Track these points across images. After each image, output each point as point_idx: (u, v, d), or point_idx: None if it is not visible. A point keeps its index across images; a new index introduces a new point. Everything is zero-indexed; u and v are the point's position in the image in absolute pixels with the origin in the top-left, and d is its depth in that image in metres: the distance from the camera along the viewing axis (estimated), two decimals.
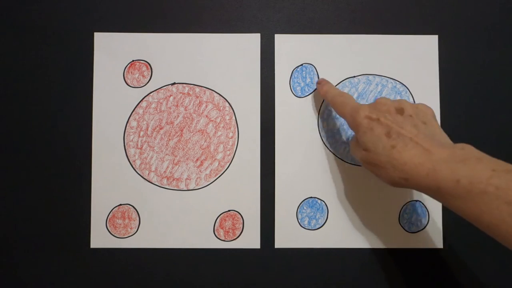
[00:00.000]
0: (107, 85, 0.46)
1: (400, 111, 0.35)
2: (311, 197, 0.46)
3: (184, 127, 0.46)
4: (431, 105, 0.46)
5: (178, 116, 0.46)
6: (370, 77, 0.47)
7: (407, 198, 0.46)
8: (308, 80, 0.46)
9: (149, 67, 0.46)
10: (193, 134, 0.46)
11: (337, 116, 0.46)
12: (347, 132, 0.46)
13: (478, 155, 0.30)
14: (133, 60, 0.46)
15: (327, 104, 0.46)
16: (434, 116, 0.36)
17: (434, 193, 0.31)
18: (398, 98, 0.46)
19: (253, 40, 0.47)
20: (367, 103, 0.46)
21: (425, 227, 0.45)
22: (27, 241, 0.45)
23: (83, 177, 0.45)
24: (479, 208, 0.28)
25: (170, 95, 0.46)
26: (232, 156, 0.46)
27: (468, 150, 0.31)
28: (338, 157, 0.46)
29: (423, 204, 0.46)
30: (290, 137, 0.46)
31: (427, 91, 0.46)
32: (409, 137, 0.33)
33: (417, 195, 0.46)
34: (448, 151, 0.31)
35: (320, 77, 0.46)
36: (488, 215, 0.27)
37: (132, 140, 0.46)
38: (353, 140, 0.39)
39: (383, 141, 0.34)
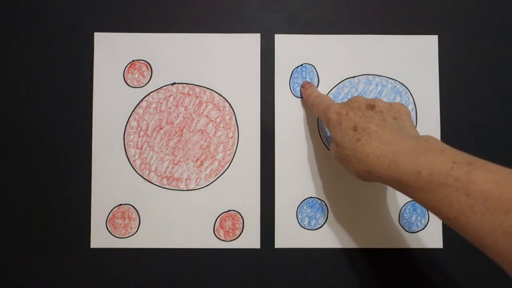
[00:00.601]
0: (107, 85, 0.46)
1: (371, 107, 0.35)
2: (311, 197, 0.46)
3: (184, 127, 0.46)
4: (431, 105, 0.46)
5: (178, 116, 0.46)
6: (370, 77, 0.47)
7: (407, 198, 0.46)
8: (308, 80, 0.46)
9: (149, 67, 0.46)
10: (193, 134, 0.46)
11: None
12: None
13: (441, 147, 0.30)
14: (133, 60, 0.46)
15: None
16: (408, 114, 0.36)
17: (396, 185, 0.31)
18: (398, 98, 0.46)
19: (253, 40, 0.47)
20: None
21: (425, 227, 0.45)
22: (27, 241, 0.45)
23: (83, 177, 0.45)
24: (439, 200, 0.27)
25: (170, 95, 0.46)
26: (232, 156, 0.46)
27: (431, 141, 0.30)
28: None
29: None
30: (290, 137, 0.46)
31: (427, 91, 0.46)
32: (375, 130, 0.33)
33: None
34: (411, 143, 0.31)
35: (320, 77, 0.46)
36: (448, 207, 0.27)
37: (132, 140, 0.46)
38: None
39: (349, 134, 0.34)
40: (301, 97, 0.46)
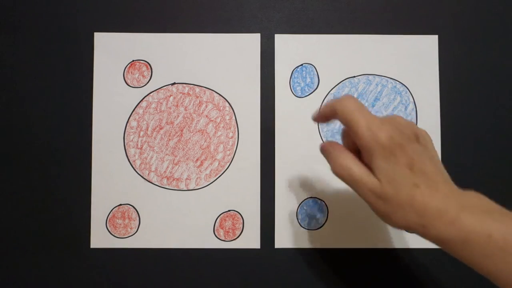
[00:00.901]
0: (107, 85, 0.46)
1: (417, 137, 0.30)
2: (311, 197, 0.46)
3: (184, 127, 0.46)
4: (431, 105, 0.46)
5: (178, 116, 0.46)
6: (370, 77, 0.47)
7: None
8: (308, 80, 0.46)
9: (149, 67, 0.46)
10: (193, 134, 0.46)
11: None
12: None
13: (499, 208, 0.28)
14: (133, 60, 0.46)
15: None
16: (433, 144, 0.32)
17: (455, 245, 0.27)
18: (398, 98, 0.46)
19: (253, 40, 0.47)
20: (367, 103, 0.46)
21: None
22: (27, 241, 0.45)
23: (83, 177, 0.45)
24: None
25: (170, 95, 0.46)
26: (232, 156, 0.46)
27: (481, 198, 0.28)
28: None
29: None
30: (290, 137, 0.46)
31: (427, 91, 0.46)
32: (432, 178, 0.28)
33: None
34: (466, 198, 0.28)
35: (320, 77, 0.46)
36: None
37: (132, 140, 0.46)
38: (351, 156, 0.30)
39: (405, 174, 0.28)
40: (302, 97, 0.46)
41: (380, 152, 0.28)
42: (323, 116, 0.33)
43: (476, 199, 0.28)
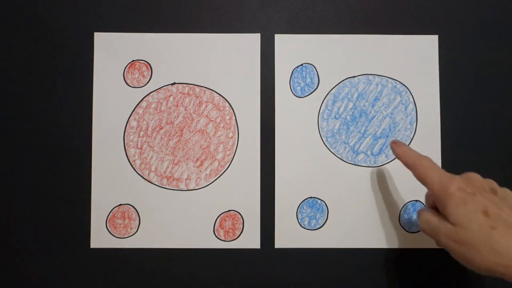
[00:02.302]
0: (107, 85, 0.46)
1: (494, 191, 0.33)
2: (311, 197, 0.46)
3: (184, 127, 0.46)
4: (431, 105, 0.46)
5: (178, 116, 0.46)
6: (370, 77, 0.47)
7: (407, 198, 0.46)
8: (308, 80, 0.46)
9: (149, 67, 0.46)
10: (193, 134, 0.46)
11: (337, 116, 0.46)
12: (347, 132, 0.46)
13: None
14: (133, 60, 0.46)
15: (327, 105, 0.46)
16: None
17: None
18: (398, 98, 0.46)
19: (253, 40, 0.47)
20: (367, 103, 0.46)
21: None
22: (27, 241, 0.45)
23: (83, 177, 0.45)
24: None
25: (170, 95, 0.46)
26: (232, 156, 0.46)
27: None
28: (338, 157, 0.46)
29: (423, 204, 0.46)
30: (290, 137, 0.46)
31: (427, 91, 0.46)
32: (510, 221, 0.30)
33: (417, 195, 0.46)
34: None
35: (320, 77, 0.46)
36: None
37: (132, 140, 0.46)
38: (431, 211, 0.35)
39: (479, 219, 0.31)
40: (302, 97, 0.46)
41: (452, 201, 0.32)
42: (399, 158, 0.38)
43: None
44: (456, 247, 0.31)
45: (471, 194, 0.32)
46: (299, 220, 0.45)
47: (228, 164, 0.46)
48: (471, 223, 0.31)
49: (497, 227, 0.30)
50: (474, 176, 0.34)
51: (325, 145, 0.46)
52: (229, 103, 0.46)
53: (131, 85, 0.46)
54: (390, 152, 0.46)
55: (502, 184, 0.46)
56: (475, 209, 0.31)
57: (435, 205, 0.35)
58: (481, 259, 0.30)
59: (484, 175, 0.46)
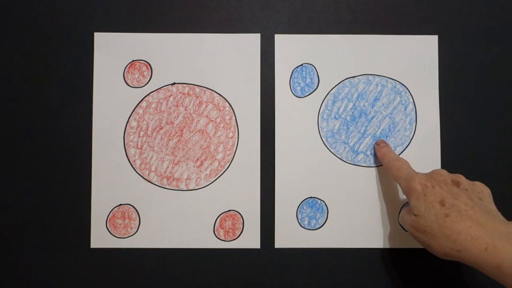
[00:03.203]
0: (107, 85, 0.46)
1: (457, 183, 0.35)
2: (311, 197, 0.46)
3: (184, 127, 0.46)
4: (431, 105, 0.46)
5: (178, 116, 0.46)
6: (370, 77, 0.47)
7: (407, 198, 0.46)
8: (308, 80, 0.46)
9: (149, 67, 0.46)
10: (193, 134, 0.46)
11: (337, 116, 0.46)
12: (347, 132, 0.46)
13: None
14: (133, 60, 0.46)
15: (327, 105, 0.46)
16: (490, 196, 0.36)
17: (491, 270, 0.29)
18: (398, 98, 0.46)
19: (253, 40, 0.47)
20: (367, 103, 0.46)
21: None
22: (27, 241, 0.45)
23: (83, 177, 0.45)
24: None
25: (170, 95, 0.46)
26: (232, 156, 0.46)
27: None
28: (338, 157, 0.46)
29: None
30: (290, 137, 0.46)
31: (427, 91, 0.46)
32: (464, 209, 0.32)
33: None
34: (507, 228, 0.30)
35: (320, 77, 0.46)
36: None
37: (132, 140, 0.46)
38: (406, 208, 0.39)
39: (436, 208, 0.34)
40: (302, 97, 0.46)
41: (413, 194, 0.36)
42: (380, 159, 0.44)
43: None
44: (419, 235, 0.35)
45: (431, 187, 0.35)
46: (299, 220, 0.45)
47: (228, 164, 0.46)
48: (428, 213, 0.34)
49: (450, 215, 0.33)
50: (439, 172, 0.37)
51: (325, 145, 0.46)
52: (229, 103, 0.46)
53: (131, 85, 0.46)
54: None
55: (502, 184, 0.46)
56: (432, 200, 0.34)
57: None
58: (437, 245, 0.33)
59: (484, 174, 0.46)
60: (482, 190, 0.36)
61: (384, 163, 0.43)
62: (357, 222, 0.45)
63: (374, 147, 0.45)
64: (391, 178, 0.41)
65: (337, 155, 0.46)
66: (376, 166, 0.46)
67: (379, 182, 0.46)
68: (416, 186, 0.36)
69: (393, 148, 0.46)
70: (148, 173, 0.46)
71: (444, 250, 0.33)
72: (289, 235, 0.45)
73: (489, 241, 0.30)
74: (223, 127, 0.46)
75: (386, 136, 0.46)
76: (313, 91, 0.46)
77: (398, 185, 0.46)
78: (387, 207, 0.46)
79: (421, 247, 0.45)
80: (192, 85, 0.46)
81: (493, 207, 0.35)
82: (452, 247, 0.32)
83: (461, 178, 0.36)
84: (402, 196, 0.46)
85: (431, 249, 0.35)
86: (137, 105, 0.46)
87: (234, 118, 0.46)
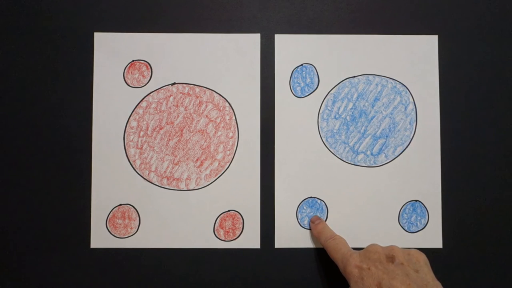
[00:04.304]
0: (107, 85, 0.46)
1: (391, 258, 0.35)
2: (311, 197, 0.46)
3: (184, 127, 0.46)
4: (431, 105, 0.46)
5: (178, 116, 0.46)
6: (370, 77, 0.47)
7: (407, 198, 0.46)
8: (308, 80, 0.46)
9: (149, 67, 0.46)
10: (193, 134, 0.46)
11: (337, 116, 0.46)
12: (347, 132, 0.46)
13: None
14: (133, 60, 0.46)
15: (326, 105, 0.46)
16: (426, 263, 0.36)
17: None
18: (398, 98, 0.46)
19: (253, 40, 0.47)
20: (367, 103, 0.46)
21: (424, 227, 0.45)
22: (27, 241, 0.45)
23: (83, 177, 0.45)
24: None
25: (170, 95, 0.46)
26: (232, 156, 0.46)
27: None
28: (338, 157, 0.46)
29: (422, 204, 0.46)
30: (290, 137, 0.46)
31: (427, 91, 0.46)
32: None
33: (417, 194, 0.46)
34: None
35: (320, 77, 0.46)
36: None
37: (132, 140, 0.46)
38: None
39: None
40: (302, 97, 0.46)
41: (352, 279, 0.36)
42: (315, 236, 0.44)
43: None
44: None
45: (367, 269, 0.35)
46: (299, 220, 0.45)
47: (228, 164, 0.46)
48: None
49: None
50: (373, 248, 0.37)
51: (325, 145, 0.46)
52: (229, 103, 0.46)
53: (131, 85, 0.46)
54: (390, 152, 0.46)
55: (502, 183, 0.46)
56: (370, 284, 0.34)
57: None
58: None
59: (484, 175, 0.46)
60: (418, 260, 0.36)
61: (320, 242, 0.42)
62: (357, 222, 0.45)
63: (309, 225, 0.45)
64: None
65: (337, 155, 0.46)
66: (376, 166, 0.46)
67: (379, 182, 0.46)
68: (352, 270, 0.36)
69: (393, 148, 0.46)
70: (148, 173, 0.46)
71: None
72: (289, 235, 0.45)
73: None
74: (223, 127, 0.46)
75: (386, 136, 0.46)
76: (313, 91, 0.46)
77: (397, 185, 0.46)
78: (387, 207, 0.46)
79: (421, 247, 0.45)
80: (192, 85, 0.46)
81: (429, 276, 0.35)
82: None
83: (395, 250, 0.36)
84: (402, 196, 0.46)
85: None
86: (137, 105, 0.46)
87: (234, 118, 0.46)
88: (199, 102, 0.46)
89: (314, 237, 0.45)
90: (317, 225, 0.44)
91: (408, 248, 0.38)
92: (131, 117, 0.46)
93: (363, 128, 0.46)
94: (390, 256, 0.36)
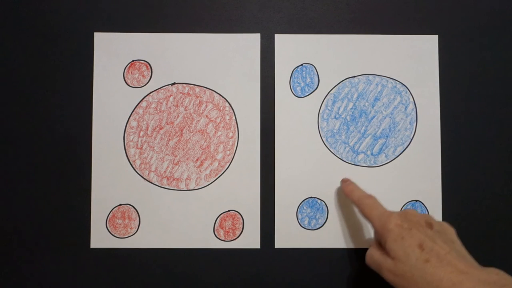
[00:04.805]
0: (107, 85, 0.46)
1: (430, 225, 0.35)
2: (311, 197, 0.46)
3: (184, 127, 0.46)
4: (431, 105, 0.46)
5: (178, 116, 0.46)
6: (370, 77, 0.47)
7: (407, 198, 0.46)
8: (308, 80, 0.46)
9: (149, 67, 0.46)
10: (193, 134, 0.46)
11: (337, 116, 0.46)
12: (347, 132, 0.46)
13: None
14: (133, 60, 0.46)
15: (326, 105, 0.46)
16: (456, 236, 0.36)
17: None
18: (398, 98, 0.46)
19: (253, 40, 0.47)
20: (367, 103, 0.46)
21: None
22: (27, 241, 0.45)
23: (83, 177, 0.45)
24: None
25: (170, 95, 0.46)
26: (232, 156, 0.46)
27: (502, 275, 0.31)
28: (338, 157, 0.46)
29: (423, 204, 0.46)
30: (290, 137, 0.46)
31: (427, 91, 0.46)
32: (443, 253, 0.32)
33: (417, 195, 0.46)
34: (485, 274, 0.31)
35: (320, 77, 0.46)
36: None
37: (132, 140, 0.46)
38: (374, 247, 0.38)
39: (415, 252, 0.33)
40: (302, 97, 0.46)
41: (390, 237, 0.35)
42: (347, 196, 0.43)
43: (496, 276, 0.31)
44: (397, 281, 0.34)
45: (408, 229, 0.34)
46: (299, 220, 0.45)
47: (228, 164, 0.46)
48: (408, 257, 0.33)
49: (430, 260, 0.32)
50: (411, 212, 0.36)
51: (325, 145, 0.46)
52: (229, 103, 0.46)
53: (131, 85, 0.46)
54: (390, 152, 0.46)
55: (502, 184, 0.46)
56: (411, 244, 0.33)
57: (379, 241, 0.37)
58: None
59: (484, 175, 0.46)
60: (451, 232, 0.36)
61: (353, 200, 0.41)
62: (357, 222, 0.45)
63: (340, 184, 0.45)
64: (361, 215, 0.40)
65: (337, 155, 0.46)
66: (376, 166, 0.46)
67: (379, 182, 0.46)
68: (393, 228, 0.35)
69: (393, 148, 0.46)
70: (148, 173, 0.46)
71: None
72: (289, 235, 0.45)
73: (470, 287, 0.30)
74: (223, 127, 0.46)
75: (387, 136, 0.46)
76: (313, 91, 0.46)
77: (397, 185, 0.46)
78: (387, 207, 0.45)
79: None
80: (192, 85, 0.46)
81: (464, 250, 0.35)
82: None
83: (431, 218, 0.36)
84: (402, 196, 0.46)
85: None
86: (137, 105, 0.46)
87: (234, 118, 0.46)
88: (199, 102, 0.46)
89: (312, 241, 0.45)
90: (348, 184, 0.43)
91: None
92: (131, 117, 0.46)
93: (363, 128, 0.46)
94: (428, 222, 0.36)
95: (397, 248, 0.34)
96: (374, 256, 0.37)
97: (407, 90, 0.47)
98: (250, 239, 0.45)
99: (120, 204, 0.45)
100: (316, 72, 0.47)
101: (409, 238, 0.34)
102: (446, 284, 0.31)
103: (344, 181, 0.44)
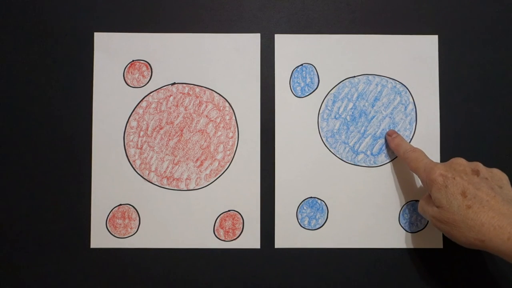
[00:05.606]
0: (107, 85, 0.46)
1: (476, 172, 0.36)
2: (311, 197, 0.46)
3: (184, 127, 0.46)
4: (431, 105, 0.46)
5: (178, 116, 0.46)
6: (370, 77, 0.47)
7: (407, 198, 0.46)
8: (308, 80, 0.46)
9: (149, 67, 0.46)
10: (193, 134, 0.46)
11: (337, 116, 0.46)
12: (347, 132, 0.46)
13: None
14: (133, 60, 0.46)
15: (327, 105, 0.46)
16: (509, 182, 0.36)
17: None
18: (398, 98, 0.46)
19: (253, 40, 0.47)
20: (367, 103, 0.46)
21: (425, 227, 0.45)
22: (27, 241, 0.45)
23: (83, 177, 0.45)
24: None
25: (170, 95, 0.46)
26: (232, 156, 0.46)
27: None
28: (338, 157, 0.46)
29: None
30: (290, 137, 0.46)
31: (427, 91, 0.46)
32: (486, 199, 0.33)
33: (417, 195, 0.46)
34: None
35: (320, 77, 0.46)
36: None
37: (132, 140, 0.46)
38: (425, 197, 0.39)
39: (458, 200, 0.34)
40: (302, 97, 0.46)
41: (435, 186, 0.36)
42: (393, 150, 0.44)
43: None
44: (442, 227, 0.36)
45: (451, 178, 0.35)
46: (299, 220, 0.45)
47: (228, 164, 0.46)
48: (451, 205, 0.34)
49: (472, 206, 0.33)
50: (458, 161, 0.37)
51: (325, 145, 0.46)
52: (229, 103, 0.46)
53: (131, 85, 0.46)
54: (390, 152, 0.46)
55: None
56: (454, 192, 0.35)
57: None
58: (461, 236, 0.34)
59: None
60: (501, 178, 0.36)
61: (399, 154, 0.43)
62: (357, 222, 0.45)
63: (385, 138, 0.45)
64: (408, 168, 0.42)
65: (337, 155, 0.46)
66: (376, 166, 0.46)
67: (379, 182, 0.46)
68: (437, 178, 0.36)
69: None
70: (148, 173, 0.46)
71: (468, 240, 0.33)
72: (289, 235, 0.45)
73: (511, 230, 0.31)
74: (223, 127, 0.46)
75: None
76: (313, 91, 0.46)
77: (397, 185, 0.46)
78: (387, 207, 0.46)
79: (421, 247, 0.45)
80: (192, 85, 0.46)
81: (508, 193, 0.35)
82: (475, 237, 0.33)
83: (479, 166, 0.36)
84: (402, 196, 0.46)
85: (454, 239, 0.35)
86: (137, 105, 0.46)
87: (234, 118, 0.46)
88: (199, 102, 0.46)
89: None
90: (394, 138, 0.44)
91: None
92: (131, 117, 0.46)
93: (363, 128, 0.46)
94: (475, 170, 0.36)
95: (440, 197, 0.35)
96: (422, 206, 0.39)
97: (407, 90, 0.47)
98: (250, 239, 0.45)
99: (120, 204, 0.45)
100: (316, 72, 0.47)
101: (452, 187, 0.35)
102: (487, 228, 0.32)
103: (389, 135, 0.45)
